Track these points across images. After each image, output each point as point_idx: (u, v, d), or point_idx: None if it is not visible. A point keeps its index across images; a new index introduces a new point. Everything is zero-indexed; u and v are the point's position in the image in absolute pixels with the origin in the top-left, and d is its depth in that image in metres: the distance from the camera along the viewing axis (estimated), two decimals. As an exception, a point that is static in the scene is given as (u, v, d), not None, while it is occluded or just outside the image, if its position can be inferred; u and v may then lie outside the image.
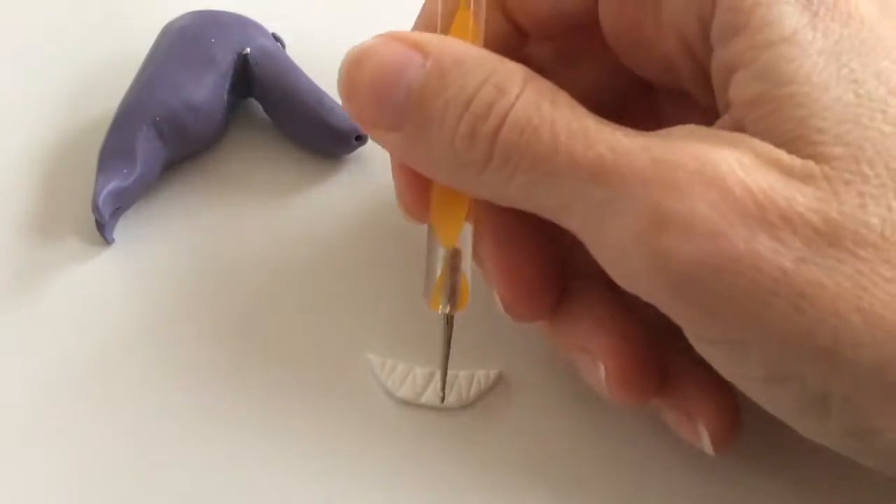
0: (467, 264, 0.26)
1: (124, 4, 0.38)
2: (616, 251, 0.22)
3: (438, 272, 0.25)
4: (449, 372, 0.29)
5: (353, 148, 0.34)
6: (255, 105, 0.35)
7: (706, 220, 0.20)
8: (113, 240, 0.32)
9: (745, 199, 0.20)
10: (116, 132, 0.32)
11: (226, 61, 0.33)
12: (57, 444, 0.28)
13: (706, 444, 0.26)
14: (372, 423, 0.29)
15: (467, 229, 0.26)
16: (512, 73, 0.23)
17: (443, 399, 0.28)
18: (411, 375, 0.29)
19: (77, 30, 0.38)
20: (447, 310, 0.26)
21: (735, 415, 0.26)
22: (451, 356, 0.27)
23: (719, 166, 0.21)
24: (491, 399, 0.29)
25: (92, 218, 0.31)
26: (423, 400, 0.29)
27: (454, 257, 0.25)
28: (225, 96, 0.33)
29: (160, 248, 0.32)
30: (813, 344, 0.20)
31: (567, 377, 0.29)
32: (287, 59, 0.34)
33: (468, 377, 0.29)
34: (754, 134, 0.21)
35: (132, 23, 0.37)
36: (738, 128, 0.22)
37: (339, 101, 0.33)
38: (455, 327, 0.26)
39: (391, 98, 0.24)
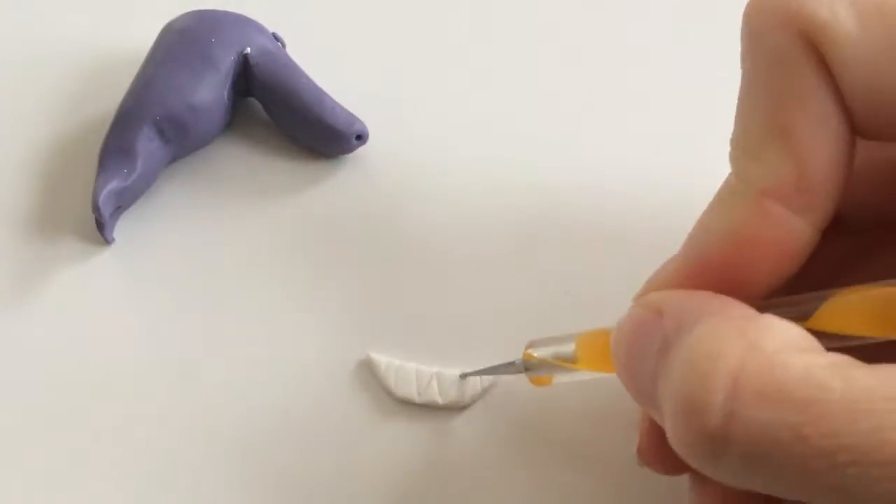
0: (573, 376, 0.26)
1: (124, 4, 0.38)
2: None
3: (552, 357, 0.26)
4: (449, 372, 0.29)
5: (353, 148, 0.34)
6: (255, 105, 0.35)
7: None
8: (113, 240, 0.32)
9: None
10: (116, 132, 0.32)
11: (226, 61, 0.33)
12: (56, 444, 0.28)
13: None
14: (372, 424, 0.29)
15: None
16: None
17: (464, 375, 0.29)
18: (411, 375, 0.29)
19: (77, 30, 0.38)
20: (529, 378, 0.27)
21: None
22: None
23: None
24: (491, 399, 0.29)
25: (92, 218, 0.31)
26: (423, 400, 0.29)
27: (569, 361, 0.26)
28: (225, 96, 0.33)
29: (160, 248, 0.32)
30: None
31: (567, 377, 0.29)
32: (287, 59, 0.34)
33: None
34: None
35: (132, 23, 0.37)
36: None
37: (338, 100, 0.34)
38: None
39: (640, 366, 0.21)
